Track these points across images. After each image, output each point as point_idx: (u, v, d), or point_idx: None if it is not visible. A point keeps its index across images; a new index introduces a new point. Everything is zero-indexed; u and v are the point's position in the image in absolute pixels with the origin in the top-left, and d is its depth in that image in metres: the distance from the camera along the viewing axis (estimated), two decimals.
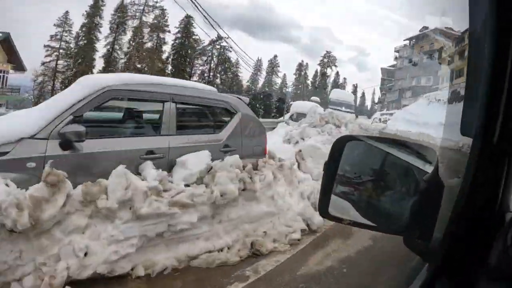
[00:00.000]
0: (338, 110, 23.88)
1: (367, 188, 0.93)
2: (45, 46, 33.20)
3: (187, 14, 40.94)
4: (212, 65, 43.52)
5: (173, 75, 39.42)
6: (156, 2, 38.05)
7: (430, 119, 23.87)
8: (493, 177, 0.74)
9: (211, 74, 42.81)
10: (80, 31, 34.90)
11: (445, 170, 0.84)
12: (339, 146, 0.92)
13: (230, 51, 44.46)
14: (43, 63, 33.24)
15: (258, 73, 48.85)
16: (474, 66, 0.76)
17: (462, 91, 0.78)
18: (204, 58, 43.64)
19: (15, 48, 27.14)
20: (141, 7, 37.60)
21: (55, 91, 32.88)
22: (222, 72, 44.42)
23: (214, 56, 43.63)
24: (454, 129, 0.79)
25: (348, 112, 26.02)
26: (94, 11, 34.97)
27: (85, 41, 34.81)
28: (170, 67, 40.83)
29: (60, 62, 33.44)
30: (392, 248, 3.63)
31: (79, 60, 34.21)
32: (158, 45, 39.84)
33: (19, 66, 27.92)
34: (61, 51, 33.69)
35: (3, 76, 27.61)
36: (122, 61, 38.18)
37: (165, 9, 38.20)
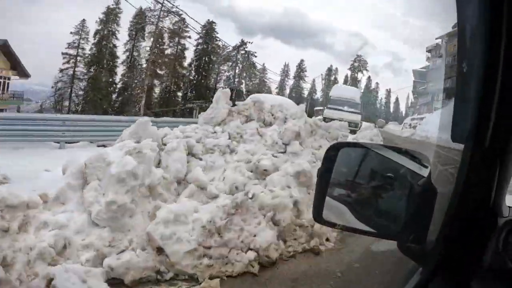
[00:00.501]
0: (339, 110, 20.89)
1: (361, 193, 0.95)
2: (62, 53, 34.31)
3: (209, 20, 40.26)
4: (237, 70, 42.89)
5: (196, 81, 39.45)
6: (172, 6, 36.98)
7: None
8: (484, 181, 0.75)
9: (236, 80, 41.90)
10: (94, 38, 35.62)
11: (438, 175, 0.85)
12: (332, 153, 0.94)
13: (256, 56, 42.95)
14: (61, 70, 34.45)
15: (286, 78, 48.11)
16: (463, 73, 0.77)
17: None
18: (229, 63, 42.79)
19: (15, 55, 27.39)
20: (158, 13, 36.99)
21: (72, 97, 33.81)
22: (247, 78, 43.67)
23: (239, 62, 42.86)
24: (447, 134, 0.80)
25: (351, 112, 21.33)
26: (108, 18, 35.53)
27: (99, 48, 35.52)
28: (193, 73, 40.49)
29: (78, 69, 34.75)
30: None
31: (93, 67, 35.13)
32: (179, 50, 39.42)
33: (21, 73, 28.82)
34: (78, 58, 34.90)
35: (4, 82, 28.13)
36: (143, 67, 37.72)
37: (181, 14, 37.27)
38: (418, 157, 0.90)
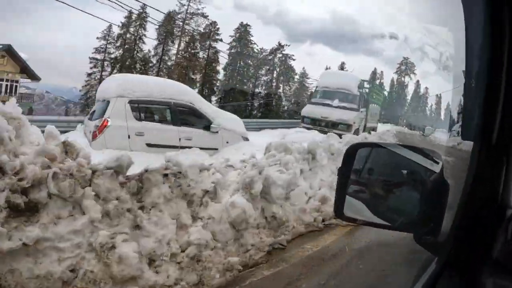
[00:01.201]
0: (325, 106, 14.80)
1: (379, 190, 1.02)
2: (90, 58, 34.72)
3: (242, 22, 38.70)
4: (274, 74, 40.88)
5: (231, 85, 38.50)
6: (198, 9, 36.08)
7: None
8: (493, 176, 0.79)
9: (273, 84, 40.46)
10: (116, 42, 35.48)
11: (450, 170, 0.90)
12: (350, 153, 1.01)
13: (294, 59, 40.22)
14: (88, 74, 34.80)
15: None
16: (471, 73, 0.81)
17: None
18: (267, 67, 40.57)
19: (22, 58, 28.53)
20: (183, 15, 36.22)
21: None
22: (285, 82, 41.15)
23: (276, 66, 40.60)
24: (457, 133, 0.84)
25: (343, 108, 14.67)
26: (129, 22, 35.22)
27: (122, 52, 35.38)
28: (228, 77, 39.05)
29: (105, 73, 34.58)
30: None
31: (115, 70, 34.80)
32: (212, 54, 38.23)
33: (31, 76, 29.57)
34: (105, 62, 34.74)
35: (12, 85, 29.06)
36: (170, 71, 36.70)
37: (207, 16, 36.18)
38: (430, 154, 0.95)
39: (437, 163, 0.92)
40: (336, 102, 14.82)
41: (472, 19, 0.79)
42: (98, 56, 34.34)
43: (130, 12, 33.66)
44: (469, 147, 0.80)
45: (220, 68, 38.96)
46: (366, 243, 4.34)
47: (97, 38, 33.84)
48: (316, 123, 14.36)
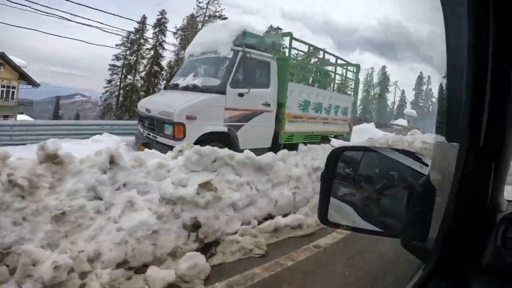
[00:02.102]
0: (174, 89, 7.62)
1: (365, 194, 0.99)
2: (109, 65, 34.64)
3: (271, 25, 37.89)
4: (310, 81, 39.74)
5: None
6: (216, 11, 34.81)
7: None
8: (481, 178, 0.77)
9: None
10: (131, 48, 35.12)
11: (437, 173, 0.88)
12: (333, 157, 0.98)
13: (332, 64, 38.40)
14: (109, 81, 34.61)
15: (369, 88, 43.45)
16: (454, 72, 0.79)
17: None
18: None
19: (17, 65, 29.57)
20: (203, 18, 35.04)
21: (118, 105, 34.37)
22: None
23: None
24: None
25: (191, 90, 7.05)
26: (143, 27, 34.61)
27: (135, 57, 34.96)
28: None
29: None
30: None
31: (129, 76, 34.52)
32: None
33: (29, 82, 30.13)
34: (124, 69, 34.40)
35: (8, 90, 30.29)
36: None
37: (226, 17, 34.52)
38: (418, 157, 0.93)
39: (427, 166, 0.89)
40: (188, 80, 7.49)
41: (453, 16, 0.77)
42: (118, 63, 34.33)
43: (144, 18, 33.37)
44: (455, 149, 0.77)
45: None
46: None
47: (116, 45, 33.77)
48: (143, 124, 7.66)
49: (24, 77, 30.06)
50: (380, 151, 0.99)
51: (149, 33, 35.21)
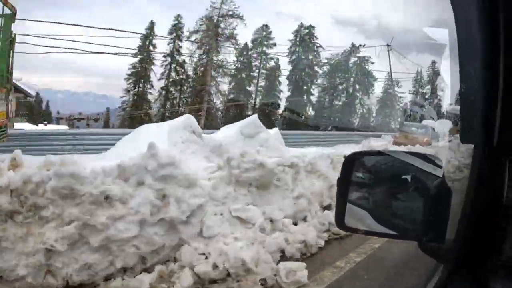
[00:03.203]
0: None
1: (380, 198, 1.00)
2: (127, 74, 34.08)
3: (301, 23, 33.51)
4: (350, 82, 35.43)
5: (292, 92, 34.13)
6: (230, 11, 31.09)
7: None
8: (496, 179, 0.77)
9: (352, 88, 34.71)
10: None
11: (453, 174, 0.88)
12: (349, 162, 1.00)
13: (373, 63, 34.09)
14: (127, 91, 33.31)
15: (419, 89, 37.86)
16: (467, 74, 0.79)
17: None
18: (340, 74, 35.07)
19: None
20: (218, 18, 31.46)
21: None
22: (362, 90, 35.90)
23: (352, 71, 35.26)
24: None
25: None
26: (151, 33, 33.91)
27: (140, 65, 32.48)
28: (292, 87, 34.20)
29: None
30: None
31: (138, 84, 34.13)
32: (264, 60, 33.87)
33: (25, 94, 30.39)
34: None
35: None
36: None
37: (242, 16, 31.11)
38: (431, 159, 0.93)
39: (440, 168, 0.90)
40: None
41: (465, 17, 0.77)
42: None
43: (152, 23, 32.11)
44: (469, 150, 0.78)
45: (282, 78, 34.27)
46: None
47: (131, 55, 33.29)
48: None
49: (18, 90, 30.50)
50: (394, 155, 1.00)
51: (159, 39, 33.87)
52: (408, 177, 0.96)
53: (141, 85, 32.90)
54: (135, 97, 32.84)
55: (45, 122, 29.84)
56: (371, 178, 1.03)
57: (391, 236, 0.94)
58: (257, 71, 34.27)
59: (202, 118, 27.91)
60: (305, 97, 34.57)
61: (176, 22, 32.40)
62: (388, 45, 29.67)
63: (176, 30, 32.32)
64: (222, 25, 31.61)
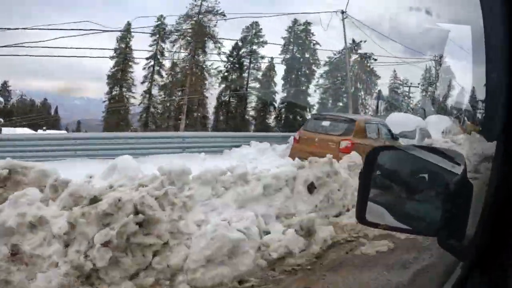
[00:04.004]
0: None
1: (400, 193, 1.01)
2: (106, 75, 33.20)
3: (295, 19, 31.25)
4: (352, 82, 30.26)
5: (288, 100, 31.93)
6: (211, 7, 29.60)
7: None
8: None
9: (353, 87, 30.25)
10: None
11: (473, 171, 0.89)
12: (372, 157, 1.00)
13: (375, 60, 31.31)
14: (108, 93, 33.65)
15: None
16: (490, 70, 0.80)
17: None
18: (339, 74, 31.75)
19: None
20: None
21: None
22: (365, 90, 33.44)
23: (353, 69, 31.69)
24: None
25: None
26: (127, 35, 33.22)
27: (119, 69, 30.93)
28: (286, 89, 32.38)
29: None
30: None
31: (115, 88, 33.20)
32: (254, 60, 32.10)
33: None
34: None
35: None
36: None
37: (223, 12, 29.59)
38: (452, 156, 0.95)
39: (459, 164, 0.91)
40: None
41: (491, 14, 0.78)
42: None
43: (128, 25, 30.70)
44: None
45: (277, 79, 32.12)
46: None
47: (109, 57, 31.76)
48: None
49: None
50: (414, 151, 1.01)
51: (137, 40, 32.36)
52: (428, 173, 0.97)
53: (117, 89, 31.63)
54: (111, 101, 31.53)
55: (44, 127, 28.61)
56: (391, 173, 1.04)
57: (411, 231, 0.95)
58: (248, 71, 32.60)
59: (182, 122, 27.77)
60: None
61: (159, 22, 31.27)
62: (343, 12, 20.39)
63: (159, 31, 31.42)
64: (203, 22, 30.29)
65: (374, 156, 1.00)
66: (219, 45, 30.84)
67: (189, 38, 30.46)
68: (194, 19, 30.22)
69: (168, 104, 31.92)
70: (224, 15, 29.61)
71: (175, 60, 31.45)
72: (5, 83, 30.99)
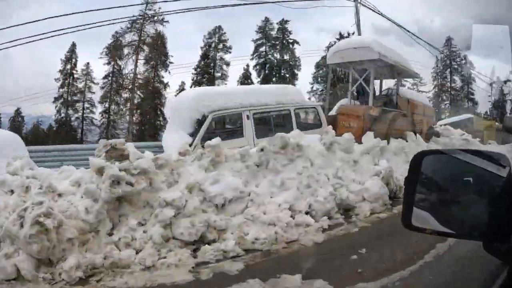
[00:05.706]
0: None
1: (445, 198, 1.00)
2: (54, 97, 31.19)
3: (283, 19, 30.91)
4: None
5: None
6: (155, 12, 28.30)
7: None
8: None
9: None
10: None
11: None
12: (417, 162, 0.99)
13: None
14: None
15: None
16: None
17: None
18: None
19: None
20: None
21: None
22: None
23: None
24: None
25: None
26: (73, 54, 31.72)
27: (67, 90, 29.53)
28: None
29: None
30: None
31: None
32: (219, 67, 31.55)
33: None
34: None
35: None
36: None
37: (167, 21, 28.83)
38: (496, 158, 0.95)
39: (504, 167, 0.92)
40: None
41: None
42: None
43: (73, 45, 29.11)
44: None
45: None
46: None
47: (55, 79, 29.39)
48: None
49: None
50: (458, 155, 1.01)
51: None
52: (473, 176, 0.97)
53: (64, 112, 29.94)
54: (58, 125, 30.00)
55: None
56: (436, 178, 1.03)
57: (457, 236, 0.94)
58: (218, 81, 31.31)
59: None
60: None
61: (113, 40, 30.21)
62: None
63: (115, 48, 30.13)
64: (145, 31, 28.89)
65: (419, 161, 0.99)
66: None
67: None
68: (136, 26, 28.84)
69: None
70: (165, 22, 28.82)
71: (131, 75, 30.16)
72: None
